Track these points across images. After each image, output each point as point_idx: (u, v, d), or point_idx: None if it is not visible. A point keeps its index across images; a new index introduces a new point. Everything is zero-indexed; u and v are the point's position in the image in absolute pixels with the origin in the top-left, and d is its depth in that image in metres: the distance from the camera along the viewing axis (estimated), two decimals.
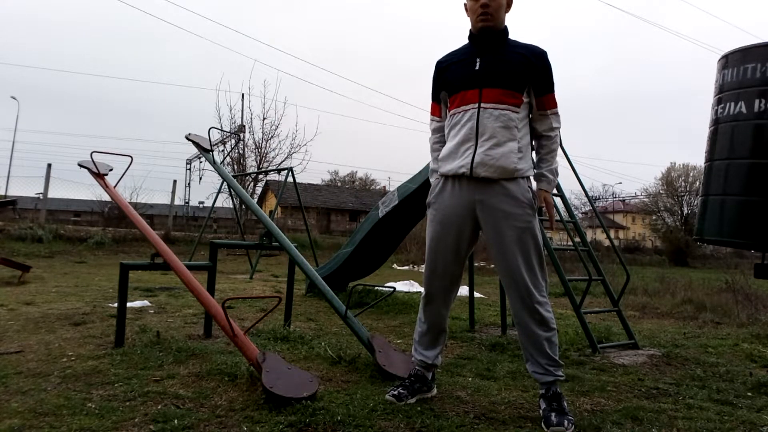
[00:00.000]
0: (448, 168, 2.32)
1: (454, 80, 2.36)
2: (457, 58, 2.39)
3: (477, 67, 2.29)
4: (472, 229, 2.35)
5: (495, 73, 2.26)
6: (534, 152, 2.41)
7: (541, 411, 2.17)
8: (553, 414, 2.09)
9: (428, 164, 4.74)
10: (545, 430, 2.06)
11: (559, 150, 4.25)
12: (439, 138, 2.51)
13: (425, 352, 2.45)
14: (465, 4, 2.41)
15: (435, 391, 2.47)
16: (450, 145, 2.34)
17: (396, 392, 2.32)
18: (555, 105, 2.32)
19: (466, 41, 2.42)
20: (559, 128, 2.35)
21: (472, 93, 2.28)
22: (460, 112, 2.32)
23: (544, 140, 2.35)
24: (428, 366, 2.44)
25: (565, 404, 2.17)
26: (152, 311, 4.38)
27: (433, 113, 2.53)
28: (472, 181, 2.26)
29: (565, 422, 2.05)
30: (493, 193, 2.24)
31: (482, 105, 2.26)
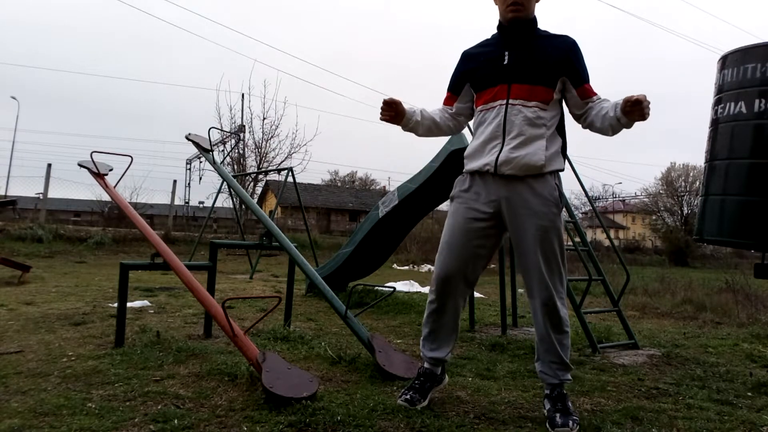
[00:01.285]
0: (473, 165, 2.27)
1: (483, 75, 2.29)
2: (486, 51, 2.32)
3: (506, 62, 2.23)
4: (497, 230, 2.28)
5: (525, 67, 2.20)
6: (595, 120, 2.22)
7: (545, 411, 2.16)
8: (557, 414, 2.08)
9: (428, 164, 4.76)
10: (550, 430, 2.05)
11: None
12: (442, 111, 2.44)
13: (438, 350, 2.35)
14: None
15: (447, 379, 2.44)
16: (476, 142, 2.28)
17: (408, 396, 2.25)
18: (594, 93, 2.24)
19: (494, 32, 2.35)
20: None
21: (500, 89, 2.23)
22: (488, 109, 2.26)
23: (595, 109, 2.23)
24: (439, 361, 2.36)
25: (570, 404, 2.16)
26: (152, 311, 4.38)
27: (445, 103, 2.45)
28: (497, 178, 2.21)
29: (570, 422, 2.04)
30: (518, 190, 2.19)
31: (510, 101, 2.20)
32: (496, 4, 2.32)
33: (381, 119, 2.34)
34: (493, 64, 2.26)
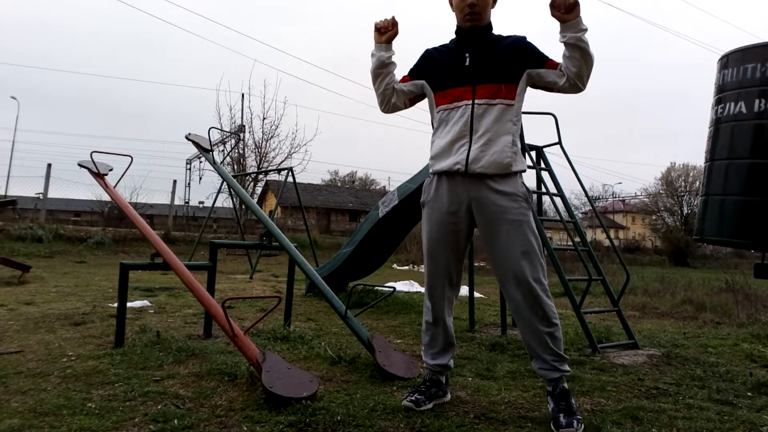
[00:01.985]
0: (441, 165, 2.30)
1: (443, 77, 2.33)
2: (446, 54, 2.37)
3: (467, 63, 2.28)
4: (468, 226, 2.33)
5: (487, 67, 2.26)
6: (569, 66, 2.18)
7: (549, 411, 2.15)
8: (561, 415, 2.07)
9: (428, 165, 4.75)
10: (554, 431, 2.04)
11: (559, 150, 4.30)
12: (392, 80, 2.43)
13: (439, 357, 2.39)
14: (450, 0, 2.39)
15: (449, 396, 2.41)
16: (442, 142, 2.31)
17: (413, 398, 2.26)
18: (558, 62, 2.23)
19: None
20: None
21: (464, 90, 2.27)
22: (451, 109, 2.29)
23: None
24: (444, 367, 2.39)
25: (574, 402, 2.16)
26: (152, 311, 4.38)
27: (402, 81, 2.46)
28: (466, 177, 2.25)
29: (575, 423, 2.03)
30: (487, 189, 2.23)
31: (476, 101, 2.25)
32: (453, 11, 2.37)
33: (378, 23, 2.40)
34: (455, 66, 2.31)
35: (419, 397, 2.26)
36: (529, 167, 3.46)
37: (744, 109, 3.37)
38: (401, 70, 2.47)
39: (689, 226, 31.33)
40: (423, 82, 2.41)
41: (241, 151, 20.80)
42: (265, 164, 20.45)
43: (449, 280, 2.37)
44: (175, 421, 1.95)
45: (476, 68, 2.27)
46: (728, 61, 3.54)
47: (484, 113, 2.23)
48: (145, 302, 4.77)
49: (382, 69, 2.41)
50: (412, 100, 2.48)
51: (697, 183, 34.26)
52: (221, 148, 22.16)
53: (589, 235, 31.08)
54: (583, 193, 5.09)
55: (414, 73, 2.45)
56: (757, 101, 3.32)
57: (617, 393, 2.66)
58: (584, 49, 2.12)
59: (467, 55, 2.29)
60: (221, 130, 19.03)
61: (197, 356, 2.90)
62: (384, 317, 4.79)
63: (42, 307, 4.32)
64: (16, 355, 2.80)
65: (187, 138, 4.58)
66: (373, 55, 2.42)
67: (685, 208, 37.36)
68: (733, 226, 3.42)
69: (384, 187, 45.11)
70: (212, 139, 4.59)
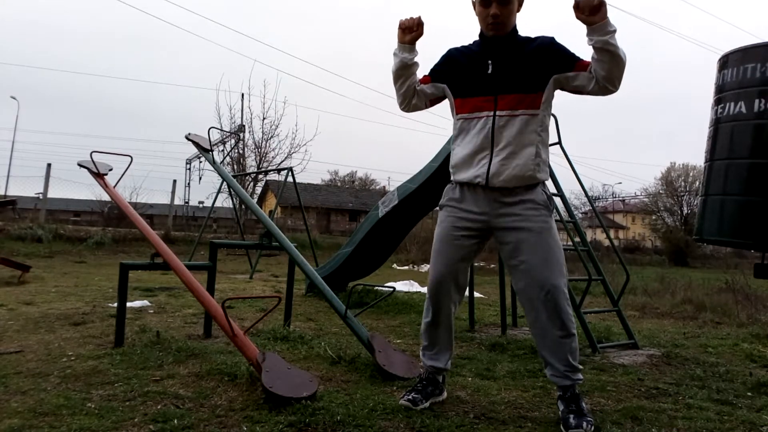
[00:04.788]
0: (462, 177, 2.28)
1: (465, 84, 2.27)
2: (469, 58, 2.29)
3: (490, 71, 2.21)
4: (484, 235, 2.31)
5: (510, 77, 2.18)
6: (598, 70, 2.10)
7: (559, 413, 2.15)
8: (571, 416, 2.06)
9: (428, 164, 4.76)
10: (563, 431, 2.04)
11: (559, 150, 4.30)
12: (413, 81, 2.37)
13: (437, 358, 2.38)
14: (473, 2, 2.29)
15: (445, 394, 2.41)
16: (463, 153, 2.27)
17: (410, 397, 2.26)
18: (589, 62, 2.12)
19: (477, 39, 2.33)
20: None
21: (486, 100, 2.21)
22: (472, 119, 2.24)
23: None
24: (440, 370, 2.39)
25: (584, 405, 2.15)
26: (152, 311, 4.38)
27: (423, 81, 2.40)
28: (488, 190, 2.22)
29: (584, 424, 2.02)
30: (509, 202, 2.21)
31: (498, 113, 2.19)
32: (477, 17, 2.27)
33: (402, 22, 2.29)
34: (477, 74, 2.24)
35: (416, 396, 2.27)
36: None
37: (744, 109, 3.37)
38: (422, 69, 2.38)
39: (689, 226, 31.32)
40: (444, 86, 2.36)
41: (241, 151, 20.81)
42: (265, 164, 20.46)
43: (455, 282, 2.33)
44: (175, 421, 1.95)
45: (498, 77, 2.20)
46: (728, 61, 3.54)
47: (506, 125, 2.18)
48: (145, 302, 4.77)
49: (404, 70, 2.35)
50: (433, 101, 2.43)
51: (697, 183, 34.23)
52: (221, 148, 22.16)
53: (589, 235, 31.09)
54: (583, 193, 5.09)
55: (435, 75, 2.38)
56: (757, 101, 3.32)
57: (617, 393, 2.66)
58: (613, 52, 2.01)
59: (490, 62, 2.22)
60: (221, 130, 19.03)
61: (197, 356, 2.90)
62: (384, 317, 4.79)
63: (42, 307, 4.32)
64: (16, 355, 2.80)
65: (187, 138, 4.58)
66: (395, 55, 2.34)
67: (685, 208, 37.33)
68: (733, 226, 3.41)
69: (384, 187, 45.09)
70: (212, 139, 4.59)
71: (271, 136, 20.73)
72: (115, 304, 3.92)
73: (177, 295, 5.36)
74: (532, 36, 2.27)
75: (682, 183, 38.77)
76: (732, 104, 3.44)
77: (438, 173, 4.52)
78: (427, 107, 2.46)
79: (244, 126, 20.53)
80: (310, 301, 5.46)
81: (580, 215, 34.61)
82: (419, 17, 2.29)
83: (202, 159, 27.24)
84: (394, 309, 5.17)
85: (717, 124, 3.57)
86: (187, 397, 2.25)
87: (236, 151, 20.79)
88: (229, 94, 40.87)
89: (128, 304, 3.88)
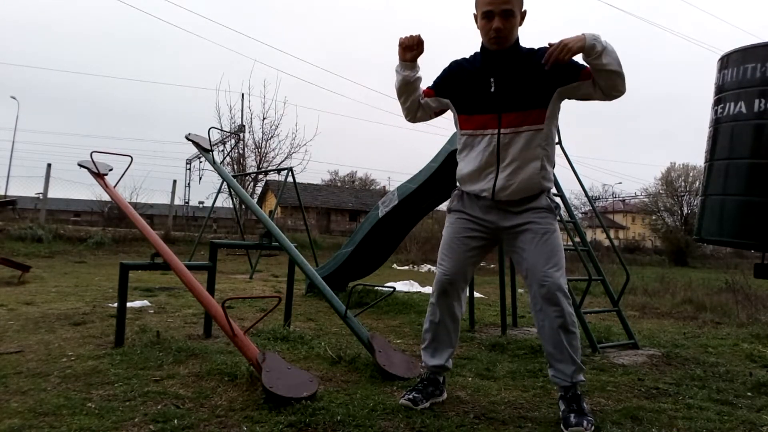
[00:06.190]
0: (469, 189, 2.32)
1: (468, 101, 2.28)
2: (471, 74, 2.27)
3: (493, 89, 2.20)
4: (490, 238, 2.35)
5: (514, 95, 2.18)
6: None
7: (560, 412, 2.15)
8: (572, 415, 2.07)
9: (428, 164, 4.76)
10: (564, 430, 2.05)
11: (559, 150, 4.29)
12: (417, 95, 2.37)
13: (438, 357, 2.39)
14: (474, 16, 2.26)
15: (445, 394, 2.41)
16: (470, 168, 2.30)
17: (411, 396, 2.26)
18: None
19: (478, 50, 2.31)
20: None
21: (490, 118, 2.22)
22: (477, 136, 2.27)
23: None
24: (441, 369, 2.39)
25: (585, 405, 2.16)
26: (152, 311, 4.38)
27: (426, 94, 2.40)
28: (494, 202, 2.27)
29: (585, 422, 2.03)
30: (515, 209, 2.26)
31: (502, 131, 2.20)
32: (478, 29, 2.24)
33: (402, 41, 2.27)
34: (479, 92, 2.23)
35: (417, 395, 2.27)
36: None
37: (744, 109, 3.37)
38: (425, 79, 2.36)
39: (689, 226, 31.32)
40: (448, 101, 2.37)
41: (241, 151, 20.80)
42: (265, 164, 20.44)
43: (463, 282, 2.38)
44: (175, 421, 1.95)
45: (502, 95, 2.20)
46: (728, 61, 3.54)
47: (511, 141, 2.20)
48: (145, 302, 4.77)
49: (407, 87, 2.35)
50: (438, 113, 2.46)
51: (697, 183, 34.23)
52: (221, 148, 22.16)
53: (589, 235, 31.09)
54: (583, 193, 5.09)
55: (438, 89, 2.38)
56: (757, 101, 3.31)
57: (617, 393, 2.66)
58: (608, 69, 2.04)
59: (492, 80, 2.20)
60: (221, 130, 19.02)
61: (197, 356, 2.90)
62: (384, 317, 4.79)
63: (42, 307, 4.32)
64: (16, 355, 2.80)
65: (187, 138, 4.58)
66: (397, 72, 2.34)
67: (685, 208, 37.31)
68: (733, 226, 3.41)
69: (384, 187, 45.10)
70: (212, 139, 4.59)
71: (271, 136, 20.73)
72: (115, 304, 3.92)
73: (177, 295, 5.36)
74: (535, 47, 2.24)
75: (682, 183, 38.76)
76: (732, 104, 3.44)
77: (438, 173, 4.51)
78: (432, 118, 2.48)
79: (244, 126, 20.52)
80: (310, 301, 5.46)
81: (580, 215, 34.61)
82: (419, 36, 2.28)
83: (202, 159, 27.25)
84: (394, 309, 5.17)
85: (717, 124, 3.57)
86: (187, 397, 2.25)
87: (236, 151, 20.80)
88: (229, 94, 40.91)
89: (128, 304, 3.88)
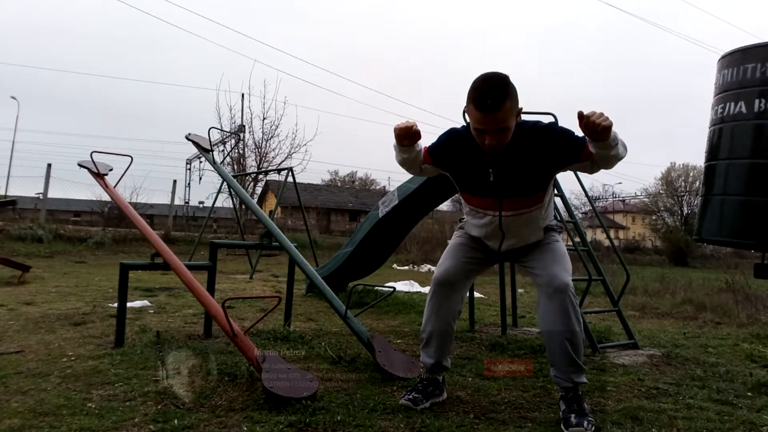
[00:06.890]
0: (476, 234, 2.42)
1: (467, 184, 2.31)
2: (469, 154, 2.20)
3: (492, 179, 2.20)
4: (492, 264, 2.57)
5: (513, 185, 2.20)
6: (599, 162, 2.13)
7: (560, 412, 2.16)
8: (572, 415, 2.08)
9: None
10: (564, 430, 2.05)
11: None
12: (418, 161, 2.34)
13: (436, 356, 2.39)
14: (464, 114, 2.16)
15: (445, 394, 2.42)
16: (475, 232, 2.41)
17: (411, 396, 2.27)
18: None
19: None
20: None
21: (491, 201, 2.27)
22: (479, 212, 2.34)
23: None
24: (441, 369, 2.40)
25: (586, 405, 2.16)
26: (152, 311, 4.38)
27: (425, 159, 2.34)
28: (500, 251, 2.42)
29: (585, 423, 2.04)
30: (519, 246, 2.39)
31: (503, 213, 2.26)
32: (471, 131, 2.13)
33: (398, 130, 2.19)
34: (478, 178, 2.23)
35: (417, 395, 2.27)
36: None
37: (744, 109, 3.37)
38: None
39: (689, 226, 31.29)
40: (447, 174, 2.38)
41: (241, 151, 20.78)
42: (265, 164, 20.42)
43: (464, 282, 2.43)
44: (175, 421, 1.95)
45: (501, 185, 2.21)
46: (728, 61, 3.54)
47: (513, 219, 2.28)
48: (145, 302, 4.77)
49: (407, 162, 2.35)
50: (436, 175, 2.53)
51: (697, 183, 34.22)
52: (221, 148, 22.13)
53: (589, 235, 31.09)
54: (583, 193, 5.09)
55: (436, 160, 2.32)
56: (757, 101, 3.31)
57: (617, 393, 2.66)
58: (619, 157, 2.05)
59: (491, 170, 2.18)
60: (221, 130, 19.00)
61: (197, 356, 2.90)
62: (384, 317, 4.79)
63: (42, 307, 4.32)
64: (16, 355, 2.80)
65: (187, 138, 4.57)
66: (395, 149, 2.31)
67: (685, 208, 37.28)
68: (733, 226, 3.41)
69: (384, 187, 45.06)
70: (212, 139, 4.59)
71: (271, 136, 20.70)
72: (115, 304, 3.92)
73: (177, 295, 5.36)
74: (535, 124, 2.19)
75: (682, 183, 38.73)
76: (732, 104, 3.44)
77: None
78: (435, 174, 2.48)
79: (244, 126, 20.51)
80: (310, 301, 5.46)
81: (580, 215, 34.60)
82: (414, 124, 2.18)
83: (202, 159, 27.23)
84: (394, 309, 5.17)
85: (717, 124, 3.57)
86: (187, 397, 2.24)
87: (236, 151, 20.78)
88: (229, 94, 40.80)
89: (128, 304, 3.87)
